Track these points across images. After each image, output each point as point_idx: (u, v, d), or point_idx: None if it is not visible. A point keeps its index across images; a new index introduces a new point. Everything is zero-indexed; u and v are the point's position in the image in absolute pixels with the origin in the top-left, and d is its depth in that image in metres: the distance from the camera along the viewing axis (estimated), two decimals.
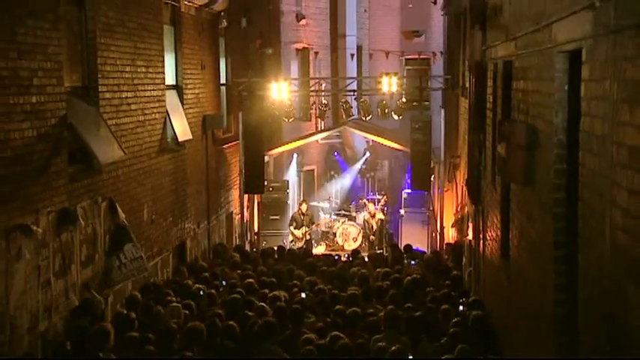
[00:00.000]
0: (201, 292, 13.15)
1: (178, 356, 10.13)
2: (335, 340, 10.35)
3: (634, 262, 4.16)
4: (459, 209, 17.85)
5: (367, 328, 11.44)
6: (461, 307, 12.40)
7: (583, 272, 5.68)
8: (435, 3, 21.56)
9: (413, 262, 16.84)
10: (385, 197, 24.87)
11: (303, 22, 25.21)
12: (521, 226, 8.91)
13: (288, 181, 24.15)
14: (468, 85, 15.94)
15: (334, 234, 23.50)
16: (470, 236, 15.40)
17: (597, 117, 5.26)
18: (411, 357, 10.54)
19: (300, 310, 11.67)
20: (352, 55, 27.33)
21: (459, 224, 17.66)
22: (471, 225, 15.17)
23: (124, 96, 12.75)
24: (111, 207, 12.14)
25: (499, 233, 10.92)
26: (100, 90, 11.89)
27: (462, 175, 17.05)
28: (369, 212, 24.02)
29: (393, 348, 10.20)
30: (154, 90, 14.14)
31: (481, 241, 13.82)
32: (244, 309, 12.11)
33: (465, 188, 16.09)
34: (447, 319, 11.87)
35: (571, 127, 6.11)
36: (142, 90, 13.57)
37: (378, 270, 16.72)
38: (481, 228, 13.64)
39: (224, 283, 14.27)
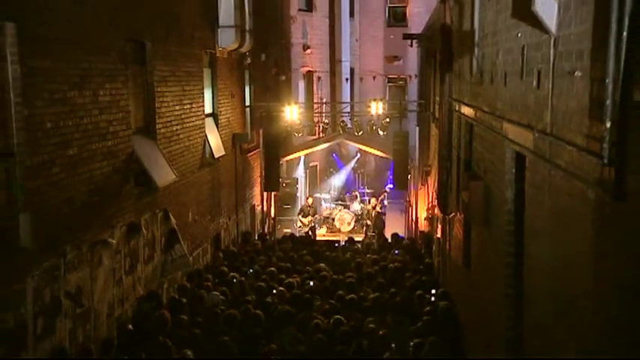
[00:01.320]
0: (235, 280, 12.98)
1: (219, 338, 9.76)
2: (337, 324, 10.26)
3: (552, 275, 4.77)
4: (430, 208, 17.45)
5: (361, 311, 11.34)
6: (432, 298, 12.08)
7: (525, 281, 5.96)
8: (411, 45, 21.55)
9: (397, 252, 16.74)
10: (384, 194, 24.62)
11: (308, 51, 25.03)
12: (479, 247, 8.89)
13: (297, 179, 24.20)
14: (437, 114, 15.51)
15: (333, 219, 23.52)
16: (439, 234, 14.99)
17: (535, 203, 5.50)
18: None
19: (310, 298, 11.60)
20: (347, 79, 27.26)
21: (430, 220, 17.32)
22: (439, 226, 14.76)
23: (174, 129, 12.74)
24: (165, 216, 12.21)
25: (461, 245, 10.67)
26: (157, 127, 11.93)
27: (432, 180, 16.65)
28: (372, 205, 23.62)
29: (380, 332, 10.16)
30: (196, 120, 14.14)
31: (447, 243, 13.50)
32: (268, 294, 12.13)
33: (435, 193, 15.54)
34: (421, 302, 11.85)
35: (517, 197, 6.27)
36: (187, 122, 13.57)
37: (368, 256, 16.63)
38: (447, 232, 13.33)
39: (251, 270, 14.03)
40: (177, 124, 12.94)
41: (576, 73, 4.10)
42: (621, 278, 3.64)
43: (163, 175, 11.59)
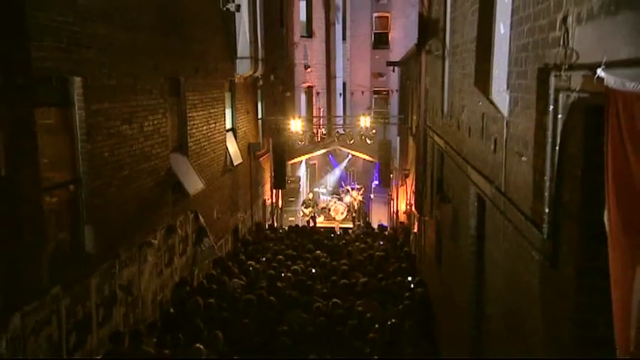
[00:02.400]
0: (251, 268, 12.90)
1: (242, 321, 9.60)
2: (335, 307, 10.17)
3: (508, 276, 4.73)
4: (408, 204, 17.15)
5: (353, 294, 11.18)
6: (411, 285, 11.96)
7: (485, 281, 5.91)
8: (393, 71, 21.68)
9: (381, 243, 16.46)
10: (363, 189, 24.40)
11: (308, 70, 24.88)
12: (448, 253, 8.72)
13: (299, 177, 24.13)
14: (414, 130, 15.25)
15: (329, 209, 23.34)
16: (415, 229, 14.77)
17: (493, 239, 5.45)
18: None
19: (312, 284, 11.48)
20: (340, 94, 27.15)
21: (408, 215, 17.06)
22: (416, 222, 14.53)
23: (202, 145, 12.78)
24: (195, 216, 12.21)
25: (434, 245, 10.45)
26: (188, 145, 11.91)
27: (410, 181, 16.49)
28: (354, 197, 23.57)
29: (368, 315, 9.92)
30: (219, 136, 14.09)
31: (422, 238, 13.25)
32: (278, 279, 11.94)
33: (413, 194, 15.32)
34: (401, 288, 11.75)
35: (479, 225, 6.15)
36: (212, 138, 13.59)
37: (357, 244, 16.32)
38: (423, 229, 13.10)
39: (264, 259, 13.84)
40: (204, 141, 12.94)
41: (523, 157, 4.07)
42: (558, 315, 3.59)
43: (193, 184, 11.56)
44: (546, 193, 3.36)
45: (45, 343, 6.78)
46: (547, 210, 3.36)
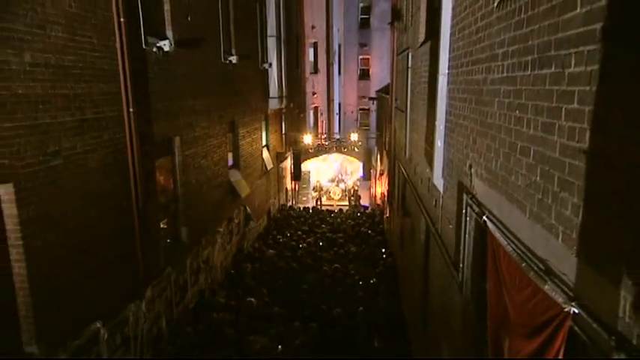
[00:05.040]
0: (281, 240, 12.86)
1: (277, 282, 9.23)
2: (336, 271, 9.98)
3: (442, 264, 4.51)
4: (382, 195, 16.42)
5: (348, 260, 11.01)
6: (384, 256, 11.63)
7: (429, 271, 5.66)
8: (373, 104, 21.80)
9: (359, 214, 16.14)
10: (358, 182, 23.89)
11: (315, 95, 24.65)
12: (407, 248, 8.30)
13: (309, 171, 23.68)
14: (386, 146, 14.50)
15: (329, 192, 23.29)
16: (387, 214, 14.03)
17: (433, 257, 5.26)
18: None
19: (321, 255, 11.20)
20: (337, 113, 26.95)
21: (382, 202, 16.35)
22: (387, 209, 13.73)
23: (248, 161, 12.55)
24: (244, 209, 12.21)
25: (399, 235, 9.79)
26: (240, 162, 11.71)
27: (384, 178, 15.66)
28: (352, 185, 23.08)
29: (357, 277, 9.73)
30: (258, 152, 13.91)
31: (391, 223, 12.65)
32: (298, 249, 11.67)
33: (386, 190, 14.23)
34: (379, 256, 11.59)
35: (426, 241, 5.84)
36: (254, 154, 13.32)
37: (349, 221, 16.08)
38: (392, 217, 12.35)
39: (289, 234, 13.63)
40: (249, 158, 12.79)
41: (450, 225, 4.10)
42: (461, 310, 3.68)
43: (243, 189, 11.57)
44: (461, 253, 3.69)
45: (164, 302, 7.30)
46: (461, 263, 3.70)
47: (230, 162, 11.13)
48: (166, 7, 7.24)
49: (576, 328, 1.78)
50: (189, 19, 8.09)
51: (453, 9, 4.27)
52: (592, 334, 1.68)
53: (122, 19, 5.59)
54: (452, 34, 4.36)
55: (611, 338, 1.54)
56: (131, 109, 6.00)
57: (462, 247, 3.74)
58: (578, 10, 1.88)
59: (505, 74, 2.76)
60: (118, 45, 5.64)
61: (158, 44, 6.82)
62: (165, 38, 7.14)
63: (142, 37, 6.31)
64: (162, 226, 7.51)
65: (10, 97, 3.95)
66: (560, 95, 2.04)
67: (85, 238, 5.10)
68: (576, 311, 1.76)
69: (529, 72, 2.38)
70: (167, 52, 7.12)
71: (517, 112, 2.57)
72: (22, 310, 4.19)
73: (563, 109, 2.01)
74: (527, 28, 2.42)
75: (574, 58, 1.91)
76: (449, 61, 4.48)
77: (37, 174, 4.31)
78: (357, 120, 28.70)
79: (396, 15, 10.67)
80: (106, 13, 5.39)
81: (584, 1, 1.83)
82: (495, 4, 2.99)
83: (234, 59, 10.67)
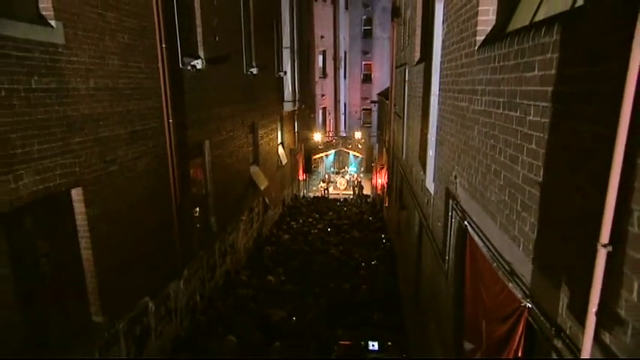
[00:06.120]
0: (294, 226, 12.89)
1: (291, 263, 9.29)
2: (342, 253, 10.13)
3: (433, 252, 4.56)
4: (382, 185, 15.88)
5: (352, 244, 11.02)
6: (384, 240, 11.51)
7: (421, 258, 5.69)
8: (375, 105, 21.69)
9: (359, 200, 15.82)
10: (361, 174, 23.41)
11: (324, 97, 24.33)
12: (404, 235, 8.22)
13: (319, 164, 23.35)
14: (385, 144, 14.20)
15: (336, 183, 22.72)
16: (386, 203, 13.61)
17: (425, 246, 5.33)
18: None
19: (329, 239, 11.34)
20: (343, 113, 26.77)
21: (382, 192, 15.77)
22: (387, 199, 13.33)
23: (265, 157, 12.24)
24: (263, 200, 11.99)
25: (396, 223, 9.77)
26: (259, 159, 11.44)
27: (384, 171, 15.19)
28: (356, 177, 22.56)
29: (360, 259, 9.78)
30: (274, 149, 13.57)
31: (389, 212, 12.44)
32: (309, 235, 11.82)
33: (385, 182, 13.91)
34: (379, 240, 11.50)
35: (420, 231, 5.86)
36: (271, 152, 13.04)
37: (353, 209, 16.28)
38: (390, 206, 12.13)
39: (301, 221, 13.60)
40: (267, 155, 12.52)
41: (439, 223, 4.26)
42: (445, 292, 3.81)
43: (262, 182, 11.35)
44: (447, 247, 3.87)
45: (198, 280, 7.50)
46: (447, 255, 3.88)
47: (251, 159, 11.11)
48: (199, 30, 7.41)
49: (530, 319, 2.02)
50: (217, 39, 8.24)
51: (443, 42, 4.37)
52: (540, 325, 1.91)
53: (164, 45, 5.83)
54: (442, 62, 4.42)
55: (552, 328, 1.79)
56: (170, 120, 6.26)
57: (447, 242, 3.93)
58: (536, 72, 2.07)
59: (483, 107, 2.91)
60: (160, 67, 5.88)
61: (192, 63, 7.03)
62: (198, 57, 7.33)
63: (179, 58, 6.51)
64: (195, 215, 7.67)
65: (78, 117, 4.25)
66: (522, 135, 2.23)
67: (136, 229, 5.40)
68: (530, 306, 2.01)
69: (501, 111, 2.54)
70: (199, 69, 7.31)
71: (492, 140, 2.73)
72: (90, 288, 4.54)
73: (525, 147, 2.19)
74: (499, 75, 2.57)
75: (533, 109, 2.11)
76: (439, 84, 4.55)
77: (99, 178, 4.62)
78: (360, 119, 28.53)
79: (396, 13, 10.55)
80: (151, 41, 5.61)
81: (540, 66, 2.04)
82: (476, 48, 3.15)
83: (254, 70, 10.74)
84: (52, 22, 3.80)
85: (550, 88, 1.92)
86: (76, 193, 4.29)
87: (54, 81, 3.86)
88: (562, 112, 1.80)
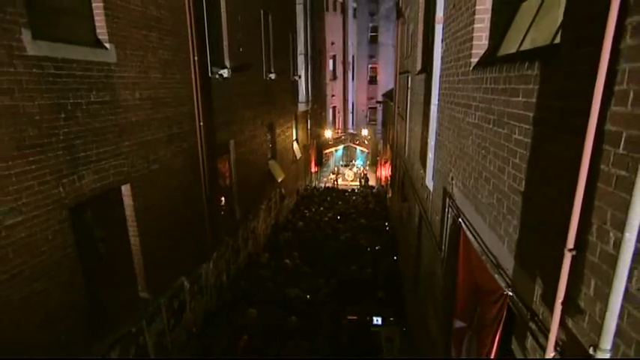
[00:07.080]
0: (307, 214, 12.84)
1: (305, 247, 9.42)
2: (350, 238, 10.16)
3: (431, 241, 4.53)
4: (386, 177, 15.50)
5: (359, 231, 10.94)
6: (387, 227, 11.57)
7: (421, 244, 5.53)
8: (380, 105, 21.48)
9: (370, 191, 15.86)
10: (367, 167, 23.10)
11: (333, 97, 24.24)
12: (406, 224, 7.81)
13: (329, 157, 23.19)
14: (390, 141, 13.77)
15: (344, 174, 22.74)
16: (389, 195, 13.36)
17: (424, 236, 5.20)
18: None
19: (338, 226, 11.29)
20: (351, 111, 26.55)
21: (386, 184, 15.52)
22: (390, 190, 13.16)
23: (282, 152, 12.21)
24: (280, 191, 11.98)
25: (399, 213, 9.39)
26: (276, 154, 11.44)
27: (388, 164, 14.63)
28: (362, 169, 22.27)
29: (365, 244, 9.76)
30: (289, 145, 13.62)
31: (393, 202, 11.99)
32: (321, 222, 11.80)
33: (389, 175, 13.56)
34: (383, 227, 11.54)
35: (419, 223, 5.63)
36: (287, 147, 13.02)
37: (360, 199, 16.15)
38: (394, 197, 11.54)
39: (313, 209, 13.50)
40: (283, 150, 12.51)
41: (436, 216, 4.13)
42: (440, 277, 3.73)
43: (279, 175, 11.31)
44: (443, 238, 3.87)
45: (224, 262, 7.70)
46: (443, 245, 3.87)
47: (269, 154, 11.15)
48: (225, 43, 7.55)
49: (511, 305, 2.17)
50: (240, 50, 8.36)
51: (442, 57, 4.39)
52: (519, 309, 2.05)
53: (196, 58, 6.00)
54: (441, 76, 4.42)
55: (528, 313, 1.95)
56: (201, 123, 6.45)
57: (444, 235, 3.95)
58: (520, 98, 2.17)
59: (476, 121, 2.98)
60: (192, 77, 6.06)
61: (219, 72, 7.19)
62: (225, 67, 7.48)
63: (209, 68, 6.68)
64: (221, 205, 7.83)
65: (127, 124, 4.48)
66: (509, 150, 2.33)
67: (173, 218, 5.62)
68: (511, 294, 2.16)
69: (491, 126, 2.62)
70: (225, 77, 7.47)
71: (483, 151, 2.82)
72: (137, 268, 4.81)
73: (510, 160, 2.29)
74: (491, 95, 2.65)
75: (517, 129, 2.21)
76: (438, 95, 4.55)
77: (143, 176, 4.86)
78: (366, 117, 28.24)
79: (399, 13, 10.31)
80: (185, 55, 5.79)
81: (524, 94, 2.15)
82: (470, 68, 3.24)
83: (273, 76, 10.85)
84: (107, 45, 4.01)
85: (531, 114, 2.03)
86: (125, 189, 4.53)
87: (108, 94, 4.07)
88: (540, 135, 1.92)
